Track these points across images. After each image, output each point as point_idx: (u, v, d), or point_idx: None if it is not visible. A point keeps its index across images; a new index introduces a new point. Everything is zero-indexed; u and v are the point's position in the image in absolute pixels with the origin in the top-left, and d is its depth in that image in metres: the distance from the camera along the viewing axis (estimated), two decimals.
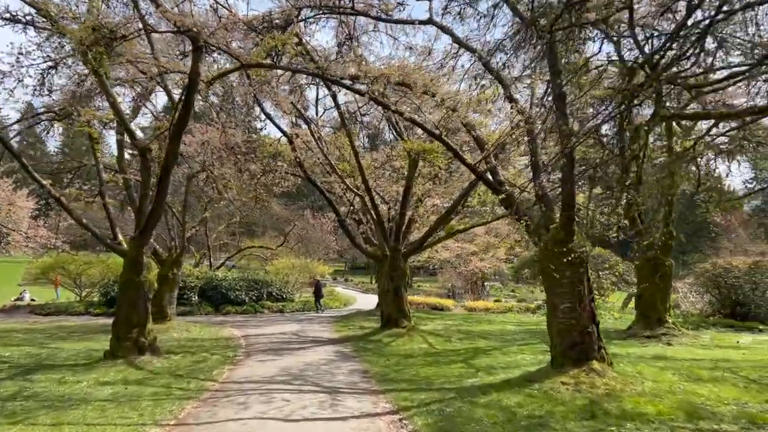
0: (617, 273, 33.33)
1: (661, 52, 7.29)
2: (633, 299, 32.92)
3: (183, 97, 11.59)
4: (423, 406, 8.63)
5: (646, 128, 9.89)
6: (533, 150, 10.70)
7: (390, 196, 21.43)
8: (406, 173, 18.11)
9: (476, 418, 7.77)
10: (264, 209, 36.02)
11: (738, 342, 16.60)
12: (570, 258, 9.65)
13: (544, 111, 10.21)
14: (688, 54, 7.30)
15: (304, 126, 20.84)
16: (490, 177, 11.04)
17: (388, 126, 20.94)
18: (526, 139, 10.75)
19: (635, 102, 8.76)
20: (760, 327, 22.93)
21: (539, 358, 13.26)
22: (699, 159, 18.85)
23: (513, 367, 11.55)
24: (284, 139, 21.62)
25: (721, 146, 18.76)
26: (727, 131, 16.69)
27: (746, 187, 60.20)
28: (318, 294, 32.76)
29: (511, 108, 10.86)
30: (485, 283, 48.02)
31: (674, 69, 7.89)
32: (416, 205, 19.94)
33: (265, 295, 31.66)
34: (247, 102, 28.39)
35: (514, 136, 11.57)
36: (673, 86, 7.90)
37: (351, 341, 17.27)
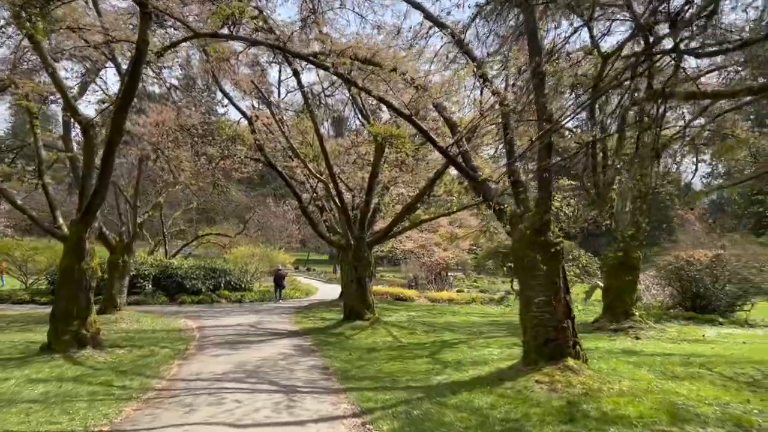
0: (580, 265, 33.36)
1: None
2: (595, 291, 33.05)
3: (130, 68, 10.56)
4: (388, 407, 7.92)
5: (622, 111, 9.39)
6: (507, 133, 10.07)
7: (355, 183, 20.62)
8: (372, 159, 17.32)
9: (446, 422, 7.11)
10: (223, 195, 34.79)
11: (704, 336, 16.46)
12: (547, 248, 9.09)
13: (519, 91, 9.60)
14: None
15: (267, 110, 19.86)
16: (461, 162, 10.35)
17: (354, 110, 20.12)
18: (500, 121, 10.10)
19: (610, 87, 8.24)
20: (720, 320, 23.06)
21: (508, 353, 12.75)
22: (665, 152, 18.65)
23: (482, 363, 10.97)
24: (244, 122, 20.59)
25: (690, 139, 18.60)
26: (706, 123, 16.46)
27: (702, 182, 61.46)
28: (279, 283, 31.88)
29: (484, 87, 10.21)
30: (448, 274, 47.80)
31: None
32: (382, 194, 19.18)
33: (223, 285, 30.53)
34: (208, 83, 27.18)
35: (488, 119, 10.91)
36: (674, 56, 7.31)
37: (312, 334, 16.49)
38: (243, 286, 31.85)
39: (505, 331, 17.53)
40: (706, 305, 25.33)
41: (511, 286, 42.03)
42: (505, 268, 35.91)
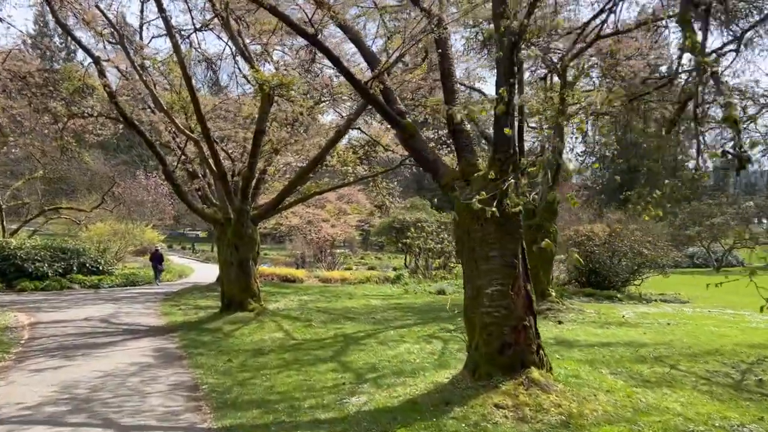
0: None
1: None
2: None
3: None
4: None
5: None
6: (446, 64, 7.46)
7: (237, 145, 17.24)
8: (257, 116, 14.06)
9: None
10: (75, 162, 29.57)
11: (624, 317, 15.16)
12: (502, 221, 6.65)
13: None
14: None
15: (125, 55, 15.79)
16: (383, 102, 7.57)
17: (234, 56, 16.64)
18: (436, 48, 7.44)
19: None
20: (618, 296, 22.57)
21: (429, 350, 10.41)
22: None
23: (408, 372, 8.39)
24: (97, 74, 16.35)
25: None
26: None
27: (577, 159, 63.69)
28: (156, 265, 28.40)
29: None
30: (335, 251, 45.42)
31: None
32: (269, 158, 15.96)
33: (75, 268, 25.70)
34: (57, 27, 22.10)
35: (418, 47, 8.24)
36: None
37: (181, 330, 13.16)
38: (101, 269, 27.13)
39: (413, 317, 15.24)
40: (602, 281, 24.95)
41: (405, 263, 40.49)
42: (399, 244, 33.95)
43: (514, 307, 6.66)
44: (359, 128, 21.69)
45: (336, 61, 7.26)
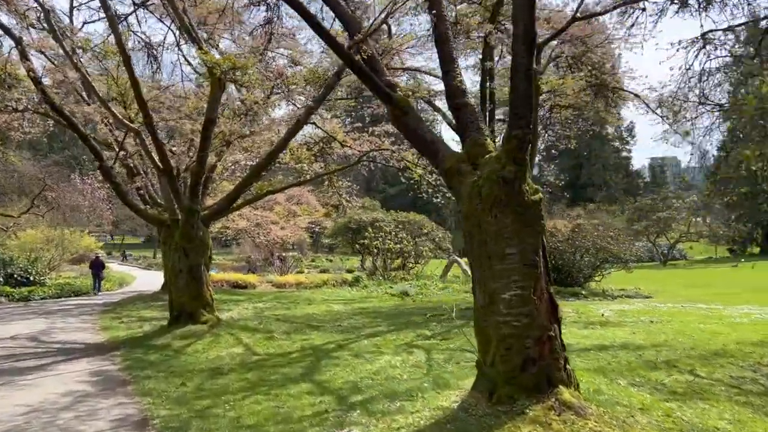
0: (437, 239, 31.36)
1: None
2: (452, 267, 31.22)
3: None
4: None
5: None
6: (440, 27, 6.26)
7: (183, 139, 15.58)
8: (206, 104, 12.49)
9: None
10: None
11: (603, 315, 14.40)
12: (521, 210, 5.53)
13: None
14: None
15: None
16: (369, 72, 6.28)
17: (177, 43, 15.03)
18: (429, 10, 6.23)
19: None
20: (583, 292, 22.10)
21: (413, 362, 9.25)
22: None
23: (400, 392, 7.12)
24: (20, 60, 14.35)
25: None
26: None
27: (539, 152, 64.23)
28: (97, 273, 26.71)
29: None
30: (284, 255, 43.76)
31: None
32: (220, 151, 14.37)
33: (2, 279, 23.32)
34: None
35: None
36: None
37: (124, 348, 11.49)
38: (32, 279, 24.77)
39: (384, 323, 14.04)
40: (564, 278, 24.48)
41: (361, 265, 39.21)
42: (357, 245, 32.68)
43: (536, 314, 5.53)
44: (314, 123, 20.32)
45: (310, 19, 5.95)
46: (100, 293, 25.97)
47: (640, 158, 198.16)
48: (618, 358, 9.01)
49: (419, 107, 22.67)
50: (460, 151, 6.14)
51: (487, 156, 5.74)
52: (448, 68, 6.20)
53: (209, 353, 10.64)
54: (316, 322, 14.65)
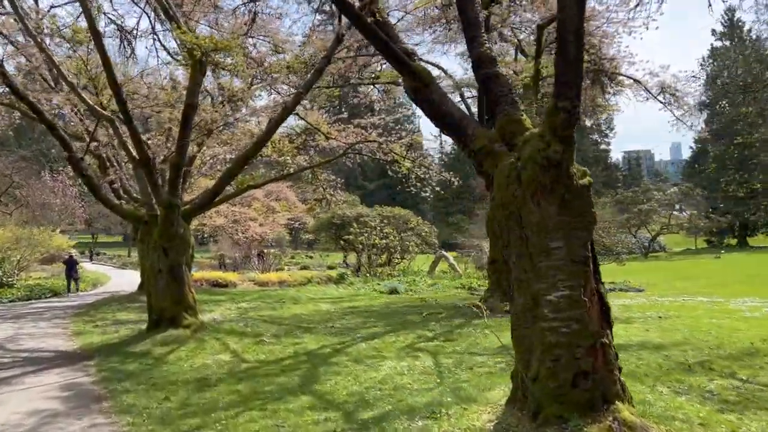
0: (422, 233, 30.60)
1: None
2: (440, 262, 30.51)
3: None
4: None
5: None
6: None
7: (160, 129, 14.47)
8: (186, 88, 11.44)
9: None
10: None
11: None
12: (570, 197, 4.72)
13: None
14: None
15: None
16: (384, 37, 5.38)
17: (153, 26, 13.93)
18: None
19: None
20: None
21: (421, 368, 8.44)
22: None
23: (419, 407, 6.23)
24: None
25: None
26: None
27: None
28: (71, 273, 25.47)
29: None
30: (269, 251, 42.64)
31: None
32: (201, 141, 13.32)
33: None
34: None
35: None
36: None
37: (98, 356, 10.45)
38: (0, 280, 23.39)
39: (379, 324, 13.22)
40: None
41: (344, 261, 38.25)
42: (341, 241, 31.74)
43: (588, 319, 4.73)
44: (297, 114, 19.33)
45: None
46: (72, 294, 24.68)
47: (614, 151, 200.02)
48: (644, 359, 8.30)
49: None
50: (490, 129, 5.29)
51: (527, 133, 4.91)
52: (474, 34, 5.35)
53: (194, 361, 9.67)
54: (306, 323, 13.76)
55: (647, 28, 12.75)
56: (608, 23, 15.82)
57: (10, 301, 21.58)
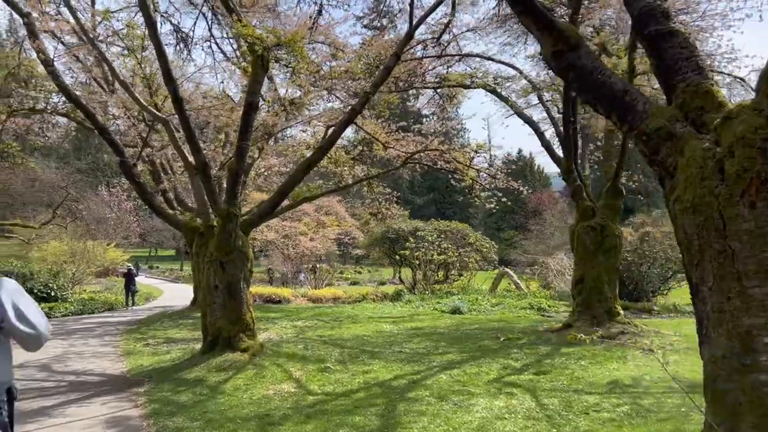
0: (482, 249, 29.05)
1: None
2: (502, 280, 28.82)
3: None
4: None
5: None
6: None
7: (217, 138, 13.59)
8: (247, 86, 10.45)
9: None
10: (19, 171, 25.48)
11: None
12: None
13: None
14: None
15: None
16: None
17: (209, 27, 13.12)
18: None
19: None
20: (655, 308, 19.61)
21: (524, 411, 7.00)
22: None
23: None
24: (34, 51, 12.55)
25: None
26: None
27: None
28: (129, 286, 25.18)
29: None
30: (321, 266, 41.86)
31: None
32: (261, 145, 12.30)
33: None
34: None
35: None
36: None
37: (149, 383, 9.43)
38: (52, 294, 23.05)
39: (451, 349, 11.79)
40: (632, 291, 22.12)
41: (399, 277, 36.93)
42: (397, 256, 30.47)
43: None
44: (355, 123, 18.32)
45: None
46: (131, 307, 24.62)
47: None
48: None
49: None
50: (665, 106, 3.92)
51: (730, 107, 3.52)
52: None
53: (253, 392, 8.49)
54: (370, 346, 12.47)
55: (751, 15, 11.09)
56: (703, 17, 14.33)
57: (63, 316, 21.17)
